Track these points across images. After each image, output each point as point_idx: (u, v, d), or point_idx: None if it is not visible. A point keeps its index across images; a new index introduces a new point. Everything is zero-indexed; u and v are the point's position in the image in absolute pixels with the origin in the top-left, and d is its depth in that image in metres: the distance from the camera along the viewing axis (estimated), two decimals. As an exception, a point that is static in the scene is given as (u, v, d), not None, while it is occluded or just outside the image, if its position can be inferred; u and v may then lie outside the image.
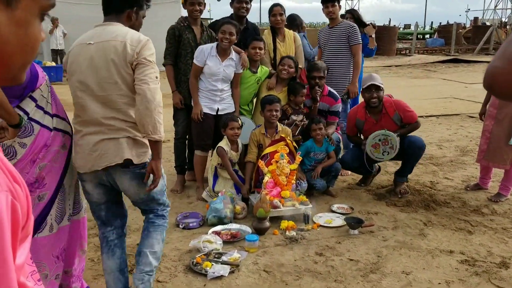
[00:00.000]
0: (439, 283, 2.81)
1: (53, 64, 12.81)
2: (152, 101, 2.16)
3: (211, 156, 4.50)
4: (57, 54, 13.66)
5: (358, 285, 2.79)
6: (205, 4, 4.38)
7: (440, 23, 33.95)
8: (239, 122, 4.14)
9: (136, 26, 2.67)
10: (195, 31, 4.36)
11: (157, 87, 2.23)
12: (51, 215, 2.21)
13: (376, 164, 4.69)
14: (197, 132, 4.31)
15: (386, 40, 22.76)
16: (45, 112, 2.21)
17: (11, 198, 0.59)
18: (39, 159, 2.16)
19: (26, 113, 2.13)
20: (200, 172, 4.39)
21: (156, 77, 2.28)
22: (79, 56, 2.22)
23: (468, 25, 30.56)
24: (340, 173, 4.83)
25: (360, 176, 4.76)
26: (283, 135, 4.09)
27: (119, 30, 2.25)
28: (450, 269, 2.99)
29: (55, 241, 2.24)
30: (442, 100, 10.19)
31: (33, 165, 2.15)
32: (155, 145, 2.21)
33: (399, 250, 3.26)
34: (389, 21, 39.05)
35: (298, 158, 3.96)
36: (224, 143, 4.12)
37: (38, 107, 2.18)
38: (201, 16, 4.43)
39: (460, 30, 25.97)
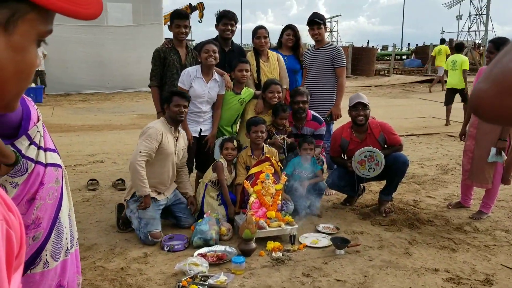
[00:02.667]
0: (426, 302, 2.82)
1: (33, 85, 12.66)
2: (130, 169, 3.76)
3: (198, 177, 4.50)
4: (37, 75, 13.52)
5: (346, 305, 2.78)
6: (190, 26, 4.43)
7: (417, 44, 34.85)
8: (234, 143, 4.16)
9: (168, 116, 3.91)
10: (180, 52, 4.39)
11: (132, 161, 3.70)
12: (46, 250, 2.11)
13: (361, 185, 4.74)
14: None
15: (365, 61, 23.25)
16: (39, 148, 2.11)
17: (6, 227, 0.58)
18: (37, 199, 2.06)
19: (19, 151, 2.04)
20: None
21: (140, 152, 3.68)
22: None
23: (443, 47, 31.38)
24: (325, 193, 4.88)
25: (345, 196, 4.79)
26: (268, 156, 4.10)
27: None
28: (436, 287, 3.01)
29: (51, 277, 2.15)
30: (421, 119, 10.39)
31: (31, 206, 2.04)
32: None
33: (386, 269, 3.27)
34: (367, 43, 39.85)
35: (284, 178, 3.98)
36: (223, 160, 4.13)
37: (33, 144, 2.10)
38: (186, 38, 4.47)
39: (436, 51, 26.60)
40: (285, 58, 5.24)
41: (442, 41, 17.89)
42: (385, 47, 43.51)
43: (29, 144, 2.09)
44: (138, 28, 15.42)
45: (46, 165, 2.14)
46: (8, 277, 0.59)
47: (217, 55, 4.14)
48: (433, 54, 16.29)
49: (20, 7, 0.59)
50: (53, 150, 2.22)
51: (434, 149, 7.32)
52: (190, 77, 4.15)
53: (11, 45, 0.60)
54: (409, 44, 42.96)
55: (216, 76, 4.28)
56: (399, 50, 38.89)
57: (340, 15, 51.07)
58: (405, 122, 9.87)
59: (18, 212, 0.62)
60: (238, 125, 4.78)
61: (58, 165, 2.21)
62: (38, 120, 2.15)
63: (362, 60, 23.28)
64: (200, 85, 4.18)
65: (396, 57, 30.73)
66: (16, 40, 0.61)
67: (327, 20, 5.45)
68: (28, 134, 2.08)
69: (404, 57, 33.84)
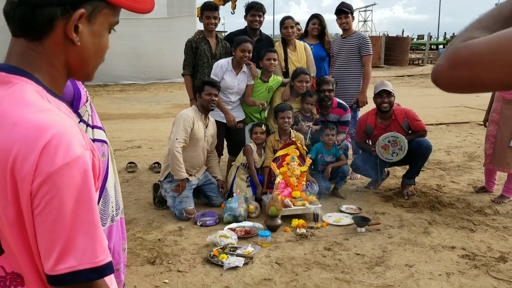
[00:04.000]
0: (440, 275, 3.00)
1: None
2: (169, 155, 4.05)
3: (230, 161, 4.82)
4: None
5: (363, 276, 3.00)
6: (219, 18, 4.70)
7: (454, 33, 33.95)
8: (263, 127, 4.42)
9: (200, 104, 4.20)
10: (211, 42, 4.67)
11: (170, 148, 4.01)
12: None
13: (385, 169, 4.91)
14: None
15: (398, 50, 22.98)
16: (87, 125, 2.39)
17: (92, 155, 0.85)
18: None
19: None
20: None
21: (176, 138, 4.00)
22: None
23: (481, 35, 30.50)
24: (350, 177, 5.08)
25: (369, 180, 4.96)
26: (294, 139, 4.33)
27: None
28: (451, 262, 3.18)
29: None
30: (453, 108, 10.34)
31: None
32: None
33: (404, 246, 3.46)
34: (402, 32, 39.05)
35: (308, 160, 4.21)
36: (252, 144, 4.41)
37: (83, 121, 2.39)
38: (216, 29, 4.75)
39: (473, 40, 25.95)
40: (311, 46, 5.40)
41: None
42: (420, 37, 42.58)
43: (79, 122, 2.38)
44: (173, 20, 15.84)
45: (93, 140, 2.42)
46: None
47: (251, 54, 4.45)
48: None
49: (99, 4, 0.86)
50: (99, 128, 2.51)
51: (463, 137, 7.34)
52: (222, 70, 4.44)
53: (92, 32, 0.88)
54: (445, 33, 41.90)
55: (244, 68, 4.54)
56: (435, 39, 38.04)
57: (375, 4, 50.24)
58: (436, 111, 9.86)
59: (96, 149, 0.89)
60: (266, 111, 5.03)
61: (104, 141, 2.50)
62: (87, 101, 2.44)
63: (396, 49, 23.02)
64: (231, 78, 4.47)
65: (431, 47, 30.12)
66: (95, 28, 0.88)
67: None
68: (78, 112, 2.37)
69: (440, 46, 33.10)
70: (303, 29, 5.58)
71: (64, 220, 0.76)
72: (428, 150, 4.50)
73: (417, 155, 4.49)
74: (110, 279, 0.91)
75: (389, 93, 4.55)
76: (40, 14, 0.81)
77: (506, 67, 0.88)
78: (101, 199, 2.46)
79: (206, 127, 4.23)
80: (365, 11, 52.92)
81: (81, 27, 0.85)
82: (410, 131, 4.65)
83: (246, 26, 4.94)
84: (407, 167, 4.79)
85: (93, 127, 2.47)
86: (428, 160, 4.80)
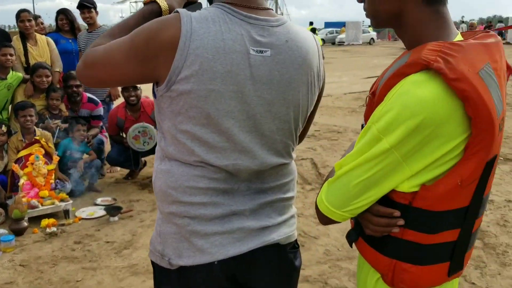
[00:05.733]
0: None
1: None
2: None
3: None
4: None
5: (110, 260, 3.19)
6: None
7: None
8: (3, 128, 4.11)
9: None
10: None
11: None
12: None
13: (142, 159, 5.16)
14: None
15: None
16: None
17: None
18: None
19: None
20: None
21: None
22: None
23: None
24: (109, 170, 5.19)
25: (127, 171, 5.15)
26: (38, 138, 4.19)
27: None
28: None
29: None
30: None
31: None
32: None
33: (153, 227, 3.77)
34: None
35: (56, 158, 4.14)
36: None
37: None
38: None
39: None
40: (70, 41, 5.28)
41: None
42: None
43: None
44: None
45: None
46: None
47: None
48: None
49: None
50: None
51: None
52: None
53: None
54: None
55: None
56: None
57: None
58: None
59: None
60: (9, 111, 4.70)
61: None
62: None
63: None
64: None
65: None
66: None
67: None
68: None
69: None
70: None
71: None
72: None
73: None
74: None
75: (135, 87, 4.79)
76: None
77: (115, 67, 1.16)
78: None
79: None
80: (136, 2, 52.66)
81: None
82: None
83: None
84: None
85: None
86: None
